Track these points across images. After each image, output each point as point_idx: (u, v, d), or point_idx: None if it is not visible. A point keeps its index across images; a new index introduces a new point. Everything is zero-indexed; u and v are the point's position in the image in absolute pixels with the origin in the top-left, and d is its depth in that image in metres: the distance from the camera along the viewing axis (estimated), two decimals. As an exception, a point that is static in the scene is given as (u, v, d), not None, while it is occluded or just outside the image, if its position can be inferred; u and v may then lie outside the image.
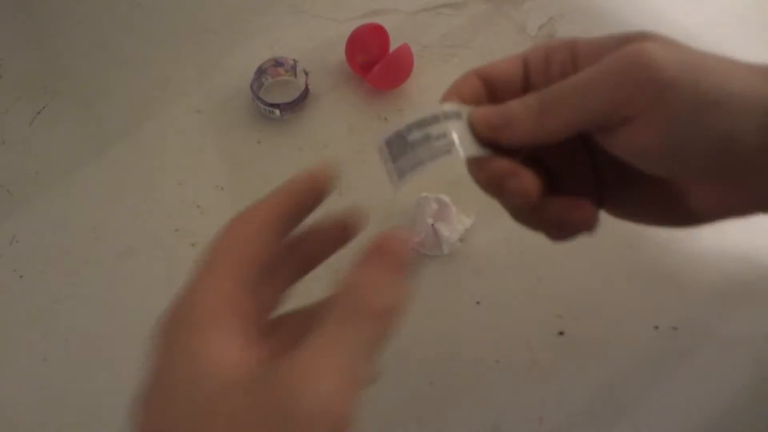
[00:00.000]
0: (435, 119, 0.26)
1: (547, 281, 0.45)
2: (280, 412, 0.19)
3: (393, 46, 0.54)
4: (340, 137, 0.52)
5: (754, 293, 0.44)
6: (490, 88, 0.29)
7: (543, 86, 0.27)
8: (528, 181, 0.26)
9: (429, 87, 0.54)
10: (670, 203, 0.27)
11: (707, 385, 0.41)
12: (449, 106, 0.26)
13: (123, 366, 0.43)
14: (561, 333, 0.43)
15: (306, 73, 0.53)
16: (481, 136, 0.27)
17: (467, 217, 0.46)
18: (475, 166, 0.27)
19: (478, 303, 0.44)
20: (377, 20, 0.55)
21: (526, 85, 0.29)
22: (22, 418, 0.42)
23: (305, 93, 0.53)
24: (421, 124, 0.25)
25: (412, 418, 0.41)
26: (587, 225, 0.28)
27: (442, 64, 0.55)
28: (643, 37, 0.26)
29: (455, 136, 0.26)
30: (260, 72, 0.54)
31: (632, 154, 0.25)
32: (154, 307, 0.46)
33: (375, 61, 0.52)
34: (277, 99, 0.52)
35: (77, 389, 0.42)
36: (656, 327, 0.43)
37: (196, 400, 0.20)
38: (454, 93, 0.28)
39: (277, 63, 0.54)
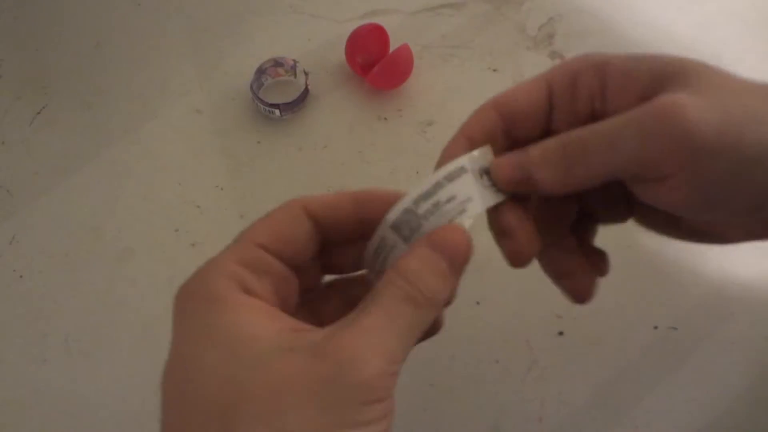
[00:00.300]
0: (439, 186, 0.25)
1: (547, 281, 0.45)
2: (335, 379, 0.20)
3: (393, 46, 0.54)
4: (340, 137, 0.52)
5: (754, 294, 0.44)
6: (509, 120, 0.27)
7: (567, 115, 0.26)
8: (522, 242, 0.26)
9: (429, 87, 0.54)
10: (701, 229, 0.27)
11: (707, 386, 0.41)
12: (452, 164, 0.25)
13: (123, 366, 0.43)
14: (561, 333, 0.43)
15: (306, 73, 0.53)
16: (501, 189, 0.26)
17: (467, 218, 0.46)
18: (489, 214, 0.27)
19: (477, 303, 0.44)
20: (377, 20, 0.55)
21: (549, 111, 0.27)
22: (22, 418, 0.42)
23: (305, 93, 0.53)
24: (426, 195, 0.25)
25: (412, 419, 0.41)
26: (578, 298, 0.29)
27: (442, 64, 0.55)
28: (680, 74, 0.24)
29: (470, 193, 0.25)
30: (260, 72, 0.54)
31: (664, 206, 0.24)
32: (154, 307, 0.46)
33: (375, 61, 0.52)
34: (277, 99, 0.52)
35: (77, 389, 0.42)
36: (656, 327, 0.43)
37: (235, 364, 0.21)
38: (464, 136, 0.27)
39: (277, 63, 0.54)
